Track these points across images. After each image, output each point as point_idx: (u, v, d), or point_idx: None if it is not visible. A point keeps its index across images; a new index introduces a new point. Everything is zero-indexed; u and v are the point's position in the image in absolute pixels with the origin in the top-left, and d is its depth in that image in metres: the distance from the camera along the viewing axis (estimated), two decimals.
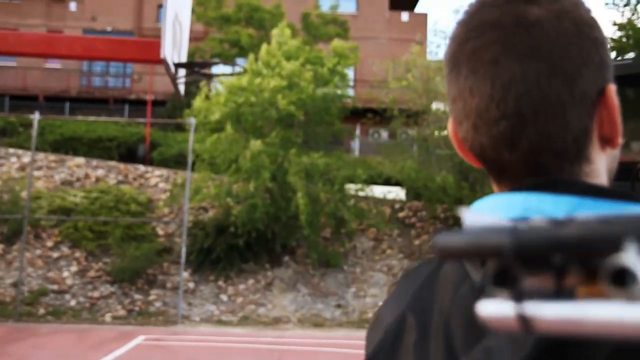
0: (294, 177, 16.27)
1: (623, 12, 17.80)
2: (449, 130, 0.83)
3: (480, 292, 0.57)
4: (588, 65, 0.74)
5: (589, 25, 0.75)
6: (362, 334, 15.34)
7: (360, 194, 18.19)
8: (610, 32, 18.21)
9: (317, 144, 18.32)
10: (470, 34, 0.76)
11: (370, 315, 16.50)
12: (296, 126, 17.76)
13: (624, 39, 17.33)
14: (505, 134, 0.74)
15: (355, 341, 13.69)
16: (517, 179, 0.75)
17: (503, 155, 0.75)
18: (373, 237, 18.62)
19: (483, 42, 0.74)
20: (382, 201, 19.58)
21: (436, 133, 18.79)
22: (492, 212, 0.71)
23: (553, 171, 0.74)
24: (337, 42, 19.15)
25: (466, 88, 0.76)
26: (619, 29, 17.42)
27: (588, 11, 0.77)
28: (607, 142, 0.76)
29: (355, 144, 25.98)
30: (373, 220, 17.97)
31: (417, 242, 18.59)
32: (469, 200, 17.67)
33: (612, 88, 0.75)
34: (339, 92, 18.79)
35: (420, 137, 19.71)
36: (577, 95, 0.73)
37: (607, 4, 17.99)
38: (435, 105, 18.98)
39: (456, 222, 18.78)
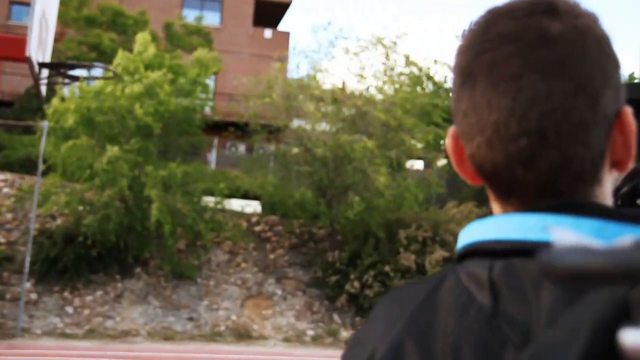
0: (151, 189, 15.92)
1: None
2: (449, 144, 0.79)
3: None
4: (609, 85, 0.72)
5: (609, 44, 0.74)
6: (214, 347, 15.22)
7: (219, 206, 18.07)
8: None
9: (175, 154, 18.04)
10: (488, 45, 0.73)
11: (223, 328, 16.38)
12: (155, 136, 17.41)
13: None
14: (523, 152, 0.71)
15: (207, 354, 13.54)
16: (528, 199, 0.73)
17: (517, 174, 0.72)
18: (228, 250, 18.50)
19: (503, 55, 0.71)
20: (239, 214, 19.54)
21: (295, 150, 19.04)
22: (504, 232, 0.69)
23: (567, 192, 0.72)
24: (200, 51, 18.99)
25: (483, 102, 0.72)
26: None
27: (605, 28, 0.75)
28: (617, 165, 0.75)
29: (212, 156, 25.81)
30: (229, 233, 17.88)
31: (272, 256, 18.66)
32: (325, 217, 18.00)
33: (629, 110, 0.74)
34: (198, 102, 18.64)
35: (280, 152, 19.87)
36: (599, 116, 0.71)
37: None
38: (296, 122, 19.24)
39: (311, 237, 19.06)
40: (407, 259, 16.97)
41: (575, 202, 0.69)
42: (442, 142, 19.90)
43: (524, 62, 0.71)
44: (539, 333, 0.62)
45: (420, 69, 22.81)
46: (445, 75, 23.52)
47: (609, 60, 0.74)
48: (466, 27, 0.78)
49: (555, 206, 0.68)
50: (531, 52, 0.71)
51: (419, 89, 22.46)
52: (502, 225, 0.70)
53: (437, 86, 23.29)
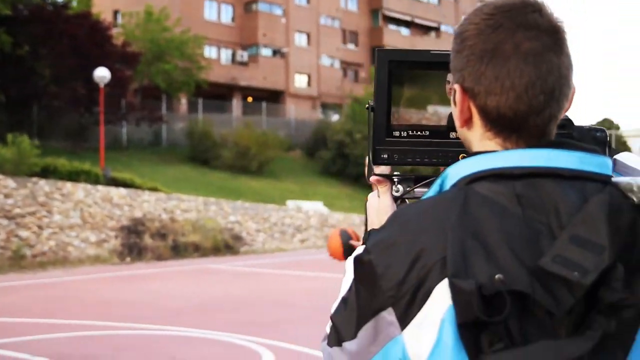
0: None
1: None
2: (461, 99, 1.07)
3: None
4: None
5: None
6: None
7: None
8: None
9: None
10: (519, 30, 1.02)
11: None
12: None
13: None
14: (540, 105, 1.02)
15: None
16: (530, 137, 1.03)
17: (529, 119, 1.02)
18: None
19: (530, 38, 1.02)
20: None
21: None
22: (521, 161, 0.99)
23: (552, 134, 1.05)
24: None
25: (517, 70, 1.01)
26: None
27: None
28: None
29: None
30: None
31: None
32: None
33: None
34: None
35: None
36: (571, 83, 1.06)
37: None
38: None
39: None
40: None
41: (563, 141, 1.03)
42: None
43: (542, 44, 1.02)
44: (566, 223, 0.93)
45: None
46: None
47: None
48: (474, 16, 1.08)
49: (554, 143, 1.02)
50: (546, 37, 1.02)
51: None
52: (518, 156, 1.00)
53: None
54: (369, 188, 1.58)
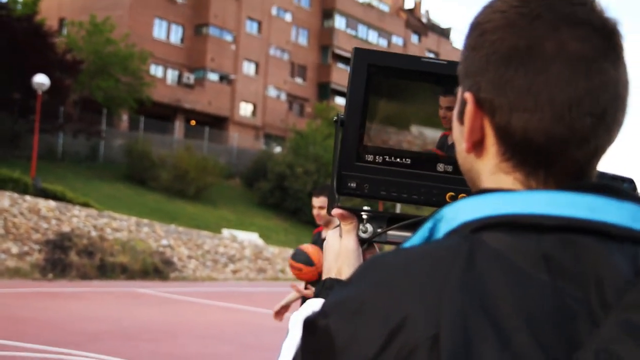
0: None
1: None
2: (472, 114, 0.81)
3: None
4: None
5: None
6: None
7: None
8: None
9: None
10: (563, 24, 0.76)
11: None
12: None
13: None
14: (585, 130, 0.76)
15: None
16: (564, 175, 0.78)
17: (568, 150, 0.77)
18: None
19: (580, 38, 0.76)
20: None
21: None
22: (553, 208, 0.73)
23: (593, 174, 0.80)
24: None
25: (560, 79, 0.75)
26: None
27: None
28: None
29: None
30: None
31: None
32: None
33: None
34: None
35: None
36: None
37: None
38: None
39: None
40: None
41: (613, 186, 0.76)
42: None
43: (595, 47, 0.76)
44: (613, 302, 0.67)
45: None
46: None
47: None
48: (501, 2, 0.81)
49: (598, 187, 0.75)
50: (600, 39, 0.77)
51: None
52: (548, 200, 0.73)
53: None
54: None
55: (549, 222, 0.72)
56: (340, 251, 1.19)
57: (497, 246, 0.71)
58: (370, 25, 50.32)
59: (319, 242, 5.76)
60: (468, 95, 0.81)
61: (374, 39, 50.62)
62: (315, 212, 5.67)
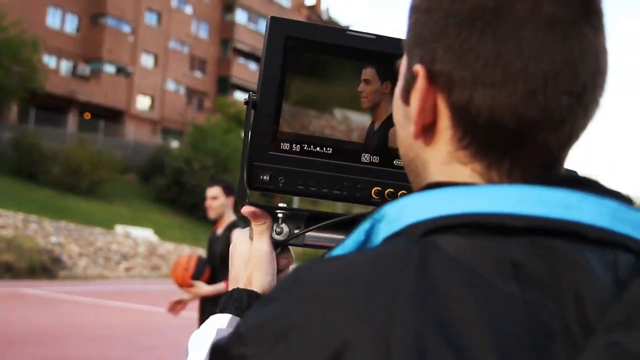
0: None
1: None
2: (424, 91, 0.66)
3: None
4: None
5: None
6: None
7: None
8: None
9: None
10: None
11: None
12: None
13: None
14: (560, 112, 0.64)
15: None
16: (532, 166, 0.66)
17: (539, 134, 0.64)
18: None
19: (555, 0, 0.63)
20: None
21: None
22: (521, 206, 0.60)
23: (563, 164, 0.68)
24: None
25: (534, 46, 0.62)
26: None
27: None
28: None
29: None
30: None
31: None
32: None
33: None
34: None
35: None
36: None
37: None
38: None
39: None
40: None
41: (589, 180, 0.65)
42: None
43: (573, 8, 0.64)
44: (594, 319, 0.56)
45: None
46: None
47: None
48: None
49: (574, 181, 0.63)
50: (579, 2, 0.64)
51: None
52: (515, 197, 0.61)
53: None
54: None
55: (517, 223, 0.60)
56: (250, 256, 1.01)
57: (454, 252, 0.59)
58: None
59: (214, 240, 5.55)
60: (419, 68, 0.67)
61: None
62: (207, 202, 5.46)
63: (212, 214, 5.49)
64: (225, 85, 47.46)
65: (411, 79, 0.69)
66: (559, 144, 0.66)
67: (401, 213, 0.64)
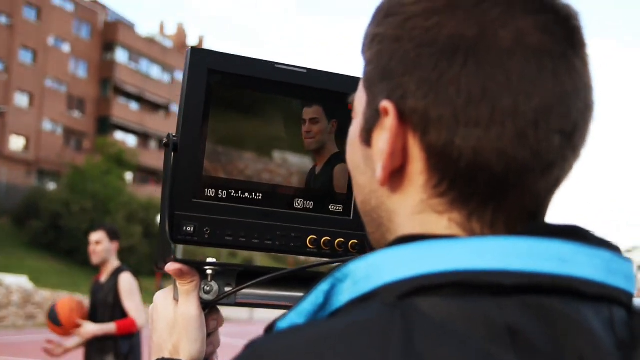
0: None
1: None
2: (394, 132, 0.58)
3: None
4: None
5: None
6: None
7: None
8: None
9: None
10: (516, 10, 0.57)
11: None
12: None
13: None
14: (550, 154, 0.57)
15: None
16: (517, 215, 0.59)
17: (527, 179, 0.58)
18: None
19: (542, 28, 0.57)
20: None
21: None
22: (505, 261, 0.54)
23: (546, 211, 0.61)
24: None
25: (522, 77, 0.56)
26: None
27: None
28: None
29: None
30: None
31: None
32: None
33: None
34: None
35: None
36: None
37: None
38: None
39: None
40: None
41: (580, 229, 0.59)
42: None
43: (560, 39, 0.58)
44: None
45: None
46: None
47: None
48: None
49: (564, 231, 0.57)
50: (565, 31, 0.59)
51: None
52: (504, 250, 0.54)
53: None
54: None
55: (509, 281, 0.53)
56: (176, 320, 0.88)
57: (441, 317, 0.51)
58: (153, 60, 49.41)
59: (98, 289, 5.26)
60: (388, 105, 0.59)
61: (157, 74, 49.78)
62: (91, 247, 5.20)
63: (95, 259, 5.23)
64: (105, 125, 46.13)
65: (373, 117, 0.61)
66: (546, 188, 0.60)
67: (371, 272, 0.55)
